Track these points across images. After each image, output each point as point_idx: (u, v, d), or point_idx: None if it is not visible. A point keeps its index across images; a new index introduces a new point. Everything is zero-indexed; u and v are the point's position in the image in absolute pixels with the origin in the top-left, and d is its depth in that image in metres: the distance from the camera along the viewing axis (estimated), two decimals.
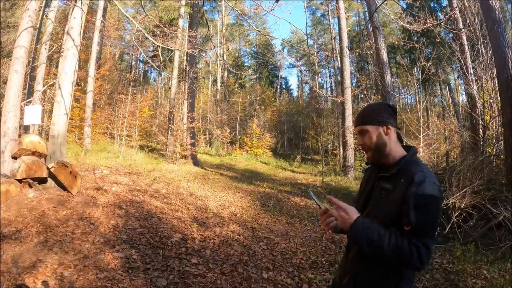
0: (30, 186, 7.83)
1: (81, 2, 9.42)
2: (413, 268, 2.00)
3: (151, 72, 50.75)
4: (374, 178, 2.37)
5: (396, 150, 2.26)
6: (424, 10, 12.98)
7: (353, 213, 2.06)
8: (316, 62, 46.56)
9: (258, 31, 10.13)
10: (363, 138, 2.31)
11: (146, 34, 10.95)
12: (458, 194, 8.38)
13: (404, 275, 2.12)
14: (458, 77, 33.10)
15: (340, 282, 2.41)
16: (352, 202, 2.54)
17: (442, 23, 12.42)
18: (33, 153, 7.93)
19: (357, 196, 2.58)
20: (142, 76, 46.34)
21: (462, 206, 8.23)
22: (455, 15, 14.80)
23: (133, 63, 45.14)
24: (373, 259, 2.11)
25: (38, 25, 16.50)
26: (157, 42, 11.51)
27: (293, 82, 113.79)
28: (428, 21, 9.52)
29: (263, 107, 40.61)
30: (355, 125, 2.38)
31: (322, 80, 54.20)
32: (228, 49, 46.71)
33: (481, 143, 11.41)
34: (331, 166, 26.27)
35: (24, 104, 8.90)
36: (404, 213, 1.98)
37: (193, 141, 22.77)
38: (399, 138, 2.33)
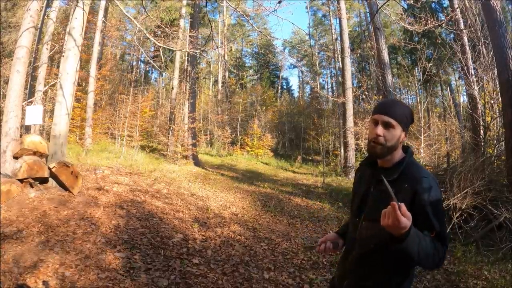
0: (32, 186, 7.83)
1: (83, 3, 9.44)
2: (434, 268, 2.04)
3: (152, 72, 50.76)
4: (368, 179, 2.35)
5: (398, 153, 2.23)
6: (425, 11, 12.97)
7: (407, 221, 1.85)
8: (317, 63, 46.61)
9: (260, 31, 10.14)
10: (385, 130, 2.17)
11: (147, 35, 10.97)
12: (459, 194, 8.39)
13: (406, 276, 2.16)
14: (459, 77, 33.14)
15: (340, 284, 2.40)
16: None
17: (443, 24, 12.41)
18: (34, 153, 7.94)
19: (352, 198, 2.56)
20: (143, 77, 46.29)
21: (463, 207, 8.24)
22: (456, 16, 14.80)
23: (134, 63, 45.04)
24: (374, 261, 2.15)
25: (39, 25, 16.52)
26: (159, 42, 11.50)
27: (294, 83, 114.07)
28: (429, 22, 9.51)
29: (264, 107, 40.61)
30: (382, 113, 2.20)
31: (323, 81, 54.27)
32: (231, 49, 46.75)
33: (482, 144, 11.43)
34: (332, 166, 26.25)
35: (25, 104, 8.92)
36: (425, 221, 1.99)
37: (194, 141, 22.79)
38: None
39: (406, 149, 2.29)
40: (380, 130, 2.16)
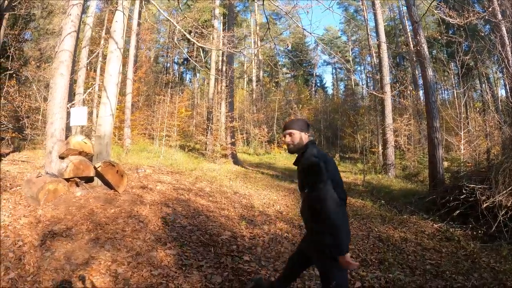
0: (78, 185, 7.93)
1: (122, 6, 9.52)
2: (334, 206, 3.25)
3: (187, 73, 51.31)
4: None
5: (302, 144, 3.64)
6: (467, 3, 12.62)
7: None
8: (351, 59, 46.29)
9: (304, 29, 9.86)
10: (290, 137, 3.65)
11: (187, 35, 11.02)
12: (505, 191, 8.11)
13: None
14: (498, 70, 32.17)
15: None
16: None
17: (486, 16, 12.04)
18: (80, 153, 8.03)
19: None
20: (178, 78, 46.69)
21: (509, 204, 7.97)
22: (494, 7, 14.37)
23: (168, 65, 45.60)
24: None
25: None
26: (198, 43, 11.57)
27: (328, 80, 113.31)
28: (471, 14, 9.25)
29: (300, 105, 40.45)
30: (284, 129, 3.74)
31: (358, 77, 53.85)
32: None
33: None
34: (371, 164, 25.86)
35: (70, 106, 9.01)
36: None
37: (233, 140, 22.87)
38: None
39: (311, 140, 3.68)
40: (287, 139, 3.67)
